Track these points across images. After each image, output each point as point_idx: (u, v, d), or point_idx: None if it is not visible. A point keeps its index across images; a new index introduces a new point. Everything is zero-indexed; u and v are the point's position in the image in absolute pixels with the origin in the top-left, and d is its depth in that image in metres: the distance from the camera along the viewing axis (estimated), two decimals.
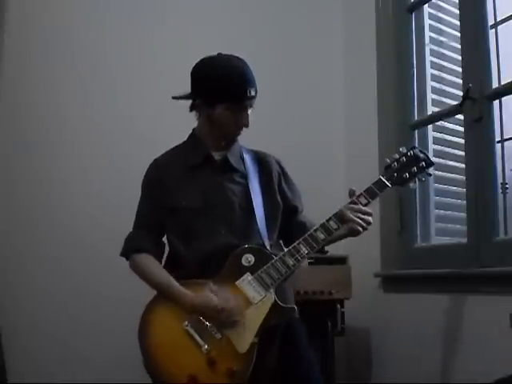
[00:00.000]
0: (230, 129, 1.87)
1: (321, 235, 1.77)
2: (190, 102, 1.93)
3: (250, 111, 1.85)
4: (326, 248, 2.80)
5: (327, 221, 1.79)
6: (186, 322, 1.68)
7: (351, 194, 1.83)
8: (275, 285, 1.71)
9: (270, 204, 1.89)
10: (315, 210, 3.05)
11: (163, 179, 1.88)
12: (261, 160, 1.98)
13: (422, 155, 1.90)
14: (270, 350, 1.71)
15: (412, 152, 1.90)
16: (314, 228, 1.78)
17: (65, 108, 2.78)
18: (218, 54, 1.89)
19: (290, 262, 1.73)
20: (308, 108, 3.22)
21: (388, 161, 1.91)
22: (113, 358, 2.61)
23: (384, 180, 1.86)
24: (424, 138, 2.80)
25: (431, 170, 1.95)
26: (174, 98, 1.93)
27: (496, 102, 2.35)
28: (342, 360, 2.84)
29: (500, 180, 2.33)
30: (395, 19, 2.92)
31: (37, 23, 2.77)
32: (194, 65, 1.89)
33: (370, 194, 1.83)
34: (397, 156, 1.90)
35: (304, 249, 1.75)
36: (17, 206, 2.66)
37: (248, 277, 1.71)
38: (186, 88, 1.90)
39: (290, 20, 3.27)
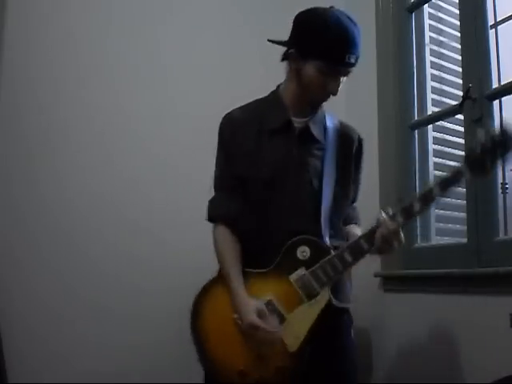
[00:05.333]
0: (315, 92, 1.69)
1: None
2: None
3: (343, 80, 1.69)
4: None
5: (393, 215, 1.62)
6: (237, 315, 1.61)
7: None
8: (331, 283, 1.62)
9: (342, 185, 1.72)
10: None
11: (237, 138, 1.74)
12: (343, 133, 1.78)
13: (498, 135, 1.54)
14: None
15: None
16: (375, 225, 1.62)
17: (65, 108, 2.77)
18: (331, 6, 1.73)
19: (349, 259, 1.61)
20: None
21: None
22: (113, 359, 2.62)
23: (463, 169, 1.55)
24: (424, 138, 2.80)
25: None
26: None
27: (496, 102, 2.35)
28: None
29: (500, 180, 2.33)
30: (395, 19, 2.92)
31: (37, 23, 2.77)
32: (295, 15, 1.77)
33: (444, 185, 1.59)
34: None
35: (365, 245, 1.62)
36: (15, 207, 2.65)
37: (302, 272, 1.61)
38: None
39: (289, 20, 3.26)
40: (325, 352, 1.65)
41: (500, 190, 2.33)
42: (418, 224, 2.74)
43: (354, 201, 1.89)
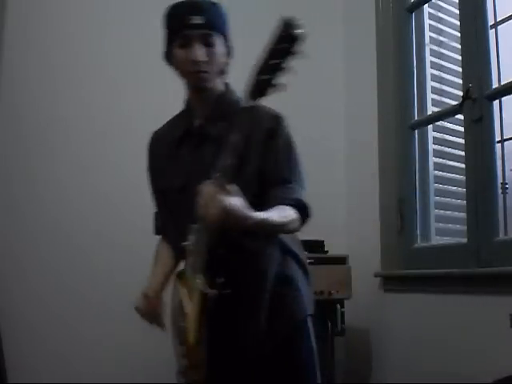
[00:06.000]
0: (184, 69, 1.61)
1: None
2: None
3: (203, 45, 1.58)
4: (326, 248, 2.82)
5: None
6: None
7: None
8: (201, 267, 1.46)
9: (246, 176, 1.55)
10: (315, 210, 3.07)
11: (154, 159, 1.75)
12: (252, 119, 1.55)
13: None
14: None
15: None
16: None
17: (65, 108, 2.77)
18: None
19: (203, 238, 1.45)
20: (308, 108, 3.22)
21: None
22: (112, 359, 2.62)
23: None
24: (424, 138, 2.80)
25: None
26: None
27: (496, 102, 2.35)
28: (341, 360, 2.84)
29: (500, 180, 2.33)
30: (395, 19, 2.92)
31: (37, 23, 2.77)
32: None
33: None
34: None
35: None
36: (15, 207, 2.66)
37: (188, 261, 1.54)
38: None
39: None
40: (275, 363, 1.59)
41: (500, 190, 2.33)
42: (418, 224, 2.74)
43: (283, 181, 1.58)
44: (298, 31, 1.36)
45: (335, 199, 3.16)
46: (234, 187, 1.34)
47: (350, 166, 3.19)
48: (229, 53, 1.69)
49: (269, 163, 1.59)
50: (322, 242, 2.80)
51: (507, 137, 2.35)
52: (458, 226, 2.69)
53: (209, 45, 1.60)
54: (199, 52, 1.58)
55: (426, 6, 2.87)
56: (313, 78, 3.25)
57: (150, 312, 1.73)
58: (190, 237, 1.49)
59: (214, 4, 1.66)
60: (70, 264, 2.68)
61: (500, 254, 2.20)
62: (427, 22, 2.87)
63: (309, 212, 1.57)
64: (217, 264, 1.46)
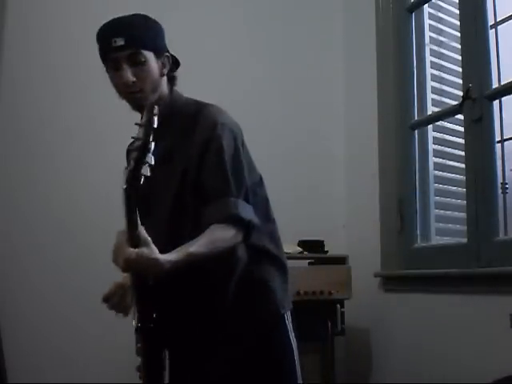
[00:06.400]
0: (118, 91, 1.60)
1: None
2: None
3: (132, 65, 1.54)
4: (326, 248, 2.82)
5: None
6: None
7: None
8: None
9: (183, 198, 1.53)
10: (315, 210, 3.08)
11: None
12: (189, 124, 1.56)
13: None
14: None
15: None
16: None
17: (65, 108, 2.77)
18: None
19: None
20: (308, 108, 3.22)
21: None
22: (113, 359, 2.61)
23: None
24: (424, 138, 2.80)
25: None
26: None
27: (496, 102, 2.35)
28: (341, 360, 2.84)
29: (500, 180, 2.33)
30: (395, 19, 2.92)
31: (37, 23, 2.77)
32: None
33: None
34: None
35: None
36: (16, 207, 2.66)
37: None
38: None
39: (289, 20, 3.27)
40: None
41: (500, 190, 2.33)
42: (418, 224, 2.74)
43: (216, 195, 1.50)
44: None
45: (335, 199, 3.16)
46: (142, 235, 1.33)
47: (350, 166, 3.19)
48: (164, 65, 1.63)
49: (202, 178, 1.52)
50: (322, 242, 2.80)
51: (507, 137, 2.36)
52: (457, 226, 2.69)
53: (137, 63, 1.56)
54: (127, 74, 1.56)
55: (426, 5, 2.86)
56: (313, 77, 3.26)
57: None
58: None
59: (141, 19, 1.62)
60: (70, 264, 2.68)
61: (500, 254, 2.20)
62: (427, 21, 2.87)
63: (247, 222, 1.49)
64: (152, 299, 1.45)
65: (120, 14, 3.01)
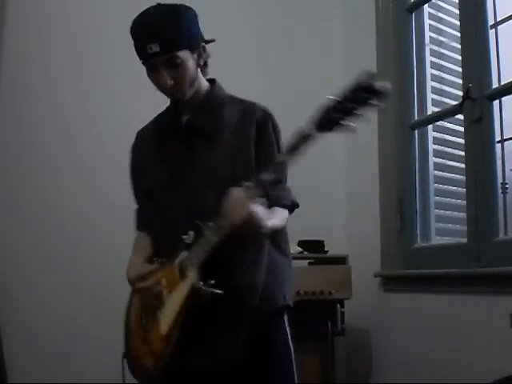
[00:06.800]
0: (158, 88, 1.64)
1: None
2: None
3: (169, 67, 1.56)
4: (326, 248, 2.83)
5: None
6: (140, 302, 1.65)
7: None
8: (198, 262, 1.49)
9: (241, 169, 1.59)
10: (315, 210, 3.08)
11: (139, 158, 1.77)
12: (243, 115, 1.66)
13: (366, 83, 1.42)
14: (232, 341, 1.56)
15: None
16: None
17: (65, 108, 2.78)
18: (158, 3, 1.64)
19: (213, 238, 1.46)
20: (308, 108, 3.21)
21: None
22: (113, 359, 2.61)
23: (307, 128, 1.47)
24: (424, 138, 2.80)
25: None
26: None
27: (496, 102, 2.35)
28: (342, 360, 2.84)
29: (500, 180, 2.33)
30: (395, 19, 2.92)
31: (37, 23, 2.77)
32: None
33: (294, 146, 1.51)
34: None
35: (225, 222, 1.46)
36: (16, 207, 2.66)
37: (183, 255, 1.55)
38: None
39: (289, 20, 3.27)
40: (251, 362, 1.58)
41: (500, 190, 2.33)
42: (418, 224, 2.74)
43: (279, 181, 1.62)
44: (383, 87, 1.39)
45: (335, 199, 3.16)
46: (262, 200, 1.44)
47: (350, 166, 3.19)
48: (200, 55, 1.65)
49: (262, 158, 1.61)
50: (322, 242, 2.80)
51: (507, 137, 2.35)
52: (457, 226, 2.69)
53: (174, 65, 1.57)
54: (164, 78, 1.57)
55: (426, 5, 2.87)
56: (313, 77, 3.26)
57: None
58: (189, 231, 1.51)
59: (173, 17, 1.58)
60: (71, 264, 2.68)
61: (500, 254, 2.20)
62: (427, 21, 2.87)
63: (296, 208, 1.68)
64: (211, 266, 1.48)
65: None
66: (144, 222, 1.80)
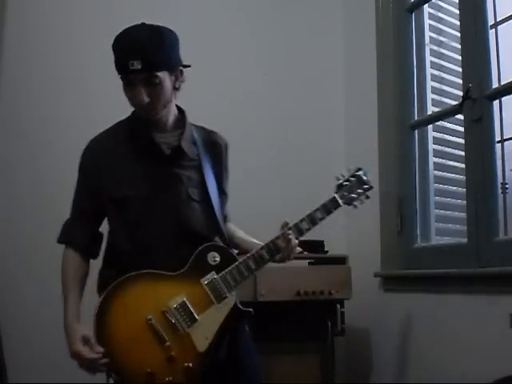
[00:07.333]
0: (132, 104, 1.70)
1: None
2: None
3: (147, 85, 1.62)
4: (326, 248, 2.82)
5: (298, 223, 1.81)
6: (150, 316, 1.61)
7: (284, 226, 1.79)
8: (237, 287, 1.69)
9: (220, 193, 1.83)
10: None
11: (101, 166, 1.78)
12: (212, 141, 1.85)
13: (365, 178, 1.93)
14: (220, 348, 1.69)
15: (360, 173, 1.94)
16: (277, 236, 1.76)
17: (65, 108, 2.77)
18: (142, 23, 1.70)
19: (253, 266, 1.71)
20: (308, 108, 3.23)
21: (340, 179, 1.92)
22: None
23: (338, 198, 1.87)
24: (424, 138, 2.80)
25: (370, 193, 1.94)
26: None
27: (496, 102, 2.35)
28: (341, 360, 2.84)
29: (500, 180, 2.33)
30: (395, 19, 2.92)
31: (37, 23, 2.77)
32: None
33: (327, 210, 1.84)
34: (347, 175, 1.93)
35: (267, 256, 1.73)
36: (17, 206, 2.66)
37: (213, 276, 1.67)
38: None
39: (289, 20, 3.28)
40: (231, 353, 1.72)
41: (500, 190, 2.33)
42: (418, 224, 2.74)
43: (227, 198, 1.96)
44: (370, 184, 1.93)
45: None
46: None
47: (350, 165, 3.18)
48: (177, 77, 1.72)
49: (225, 181, 1.89)
50: (322, 242, 2.80)
51: (507, 137, 2.36)
52: (457, 226, 2.69)
53: (152, 84, 1.63)
54: (141, 95, 1.63)
55: (426, 5, 2.87)
56: (313, 77, 3.26)
57: (95, 360, 1.66)
58: (213, 253, 1.70)
59: (157, 37, 1.65)
60: None
61: (500, 254, 2.20)
62: (427, 21, 2.87)
63: None
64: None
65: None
66: (78, 238, 1.79)
